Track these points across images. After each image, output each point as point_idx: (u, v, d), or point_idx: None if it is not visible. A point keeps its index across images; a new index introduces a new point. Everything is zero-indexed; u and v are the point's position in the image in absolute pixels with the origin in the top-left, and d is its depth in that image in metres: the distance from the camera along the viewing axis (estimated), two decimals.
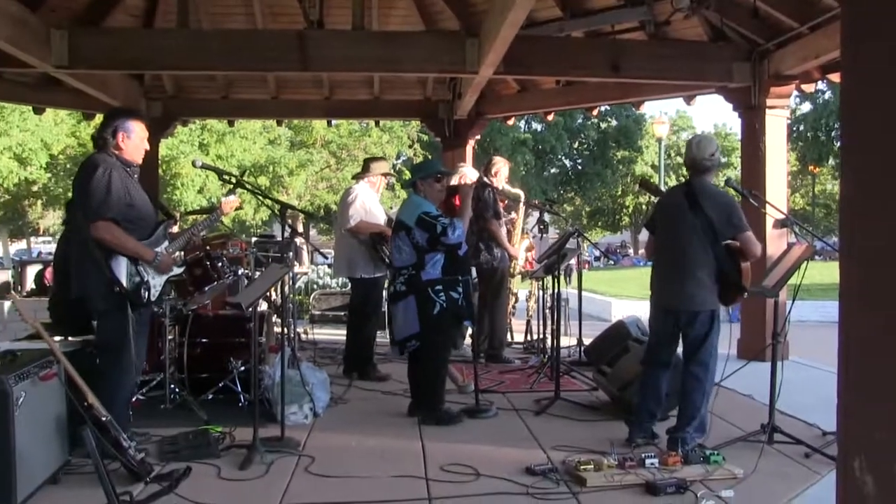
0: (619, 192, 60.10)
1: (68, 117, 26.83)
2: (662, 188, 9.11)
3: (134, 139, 6.04)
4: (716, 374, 6.38)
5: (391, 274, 7.47)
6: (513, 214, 10.66)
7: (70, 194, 7.05)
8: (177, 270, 6.43)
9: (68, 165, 29.24)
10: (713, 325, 6.22)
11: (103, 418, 5.12)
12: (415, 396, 7.44)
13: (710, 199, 6.22)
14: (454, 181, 8.45)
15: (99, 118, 7.60)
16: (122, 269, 5.78)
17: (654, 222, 6.81)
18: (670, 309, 6.39)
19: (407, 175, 17.22)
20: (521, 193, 10.65)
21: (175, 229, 6.47)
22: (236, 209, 7.14)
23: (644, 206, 56.56)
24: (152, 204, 6.27)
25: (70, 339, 6.29)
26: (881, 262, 1.97)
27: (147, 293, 5.94)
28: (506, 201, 10.21)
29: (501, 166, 10.18)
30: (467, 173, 9.44)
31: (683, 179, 6.76)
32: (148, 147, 6.29)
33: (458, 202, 7.44)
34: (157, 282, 6.07)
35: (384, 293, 9.41)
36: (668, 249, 6.46)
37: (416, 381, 7.44)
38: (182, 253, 6.85)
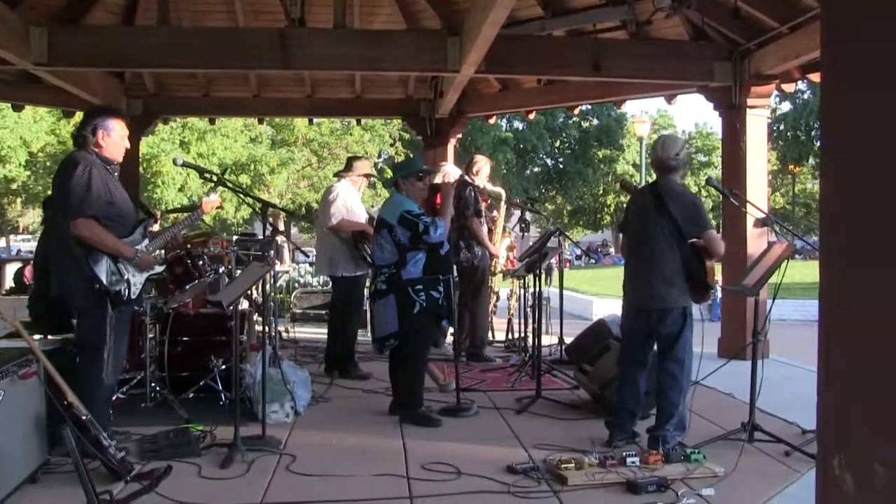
0: (601, 191, 60.20)
1: (48, 115, 26.68)
2: None
3: (114, 137, 6.01)
4: (692, 371, 6.40)
5: (372, 272, 7.45)
6: (494, 213, 10.66)
7: (50, 192, 7.02)
8: (157, 269, 6.41)
9: (48, 163, 29.11)
10: (686, 322, 6.25)
11: (83, 417, 5.10)
12: (396, 395, 7.43)
13: (674, 199, 6.27)
14: (437, 179, 8.45)
15: (79, 116, 7.57)
16: (102, 266, 5.76)
17: (626, 223, 6.85)
18: (642, 308, 6.42)
19: (389, 174, 17.18)
20: (503, 192, 10.66)
21: (156, 227, 6.45)
22: (217, 208, 7.12)
23: (625, 206, 56.74)
24: (132, 202, 6.25)
25: (50, 337, 6.26)
26: (861, 262, 1.97)
27: (127, 291, 5.92)
28: (488, 200, 10.21)
29: (483, 165, 10.18)
30: (450, 171, 9.45)
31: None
32: (128, 145, 6.26)
33: (439, 201, 7.44)
34: (137, 280, 6.04)
35: (365, 291, 9.41)
36: (638, 249, 6.51)
37: (396, 380, 7.43)
38: (163, 252, 6.82)
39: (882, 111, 1.89)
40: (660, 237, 6.22)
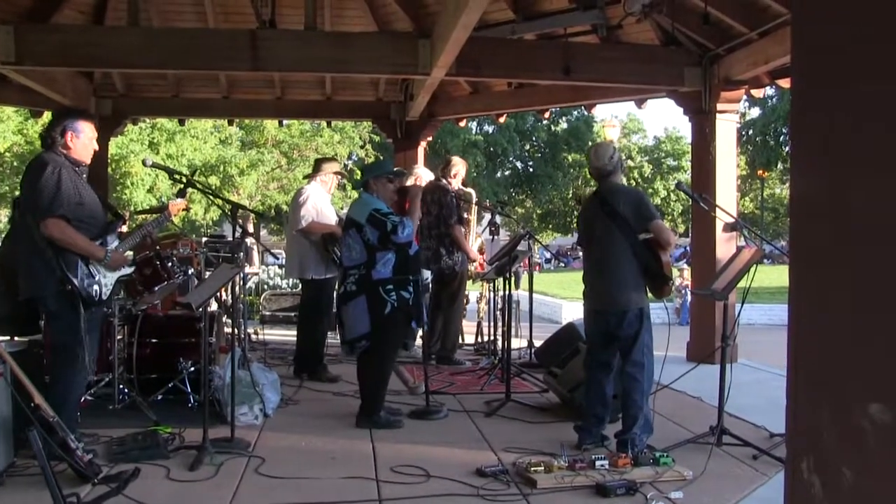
0: (570, 195, 60.34)
1: (15, 114, 26.41)
2: None
3: (83, 139, 5.98)
4: (655, 373, 6.44)
5: (341, 274, 7.41)
6: (466, 215, 10.68)
7: (17, 192, 6.97)
8: (127, 270, 6.37)
9: (15, 163, 28.80)
10: (643, 324, 6.30)
11: (50, 419, 5.06)
12: (363, 400, 7.41)
13: (619, 197, 6.41)
14: (409, 182, 8.45)
15: (47, 116, 7.52)
16: (74, 267, 5.73)
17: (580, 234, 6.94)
18: (599, 311, 6.51)
19: (359, 175, 17.20)
20: (473, 194, 10.67)
21: (124, 229, 6.42)
22: (184, 210, 7.09)
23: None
24: (102, 204, 6.21)
25: (17, 339, 6.22)
26: (829, 265, 1.99)
27: (99, 291, 5.89)
28: (461, 203, 10.21)
29: (460, 168, 10.18)
30: (422, 174, 9.45)
31: (634, 182, 6.85)
32: (97, 147, 6.25)
33: (407, 204, 7.42)
34: (107, 280, 6.01)
35: (335, 294, 9.39)
36: (592, 255, 6.62)
37: (363, 381, 7.40)
38: (132, 253, 6.79)
39: (851, 114, 1.91)
40: (611, 240, 6.34)
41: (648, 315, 6.39)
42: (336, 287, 8.71)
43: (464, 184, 10.48)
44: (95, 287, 5.85)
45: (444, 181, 9.86)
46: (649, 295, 6.44)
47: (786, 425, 2.19)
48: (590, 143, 56.83)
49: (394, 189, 7.37)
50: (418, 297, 7.20)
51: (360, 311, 7.00)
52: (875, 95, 1.82)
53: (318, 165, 9.62)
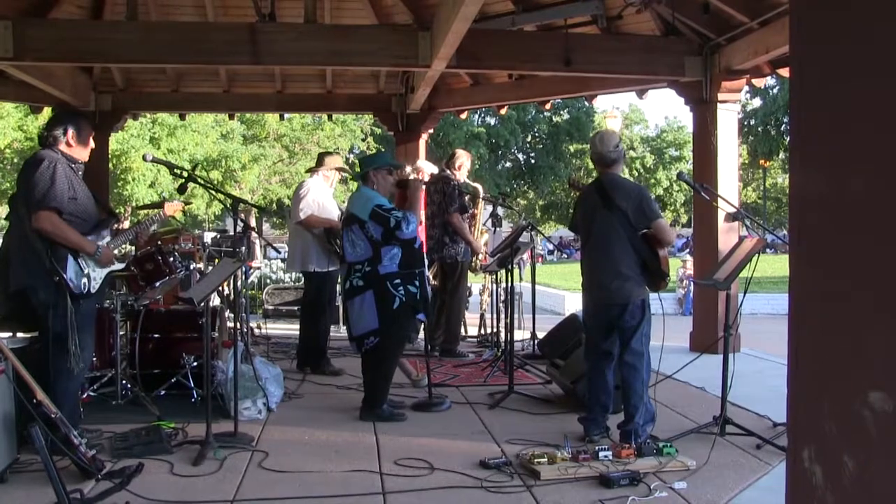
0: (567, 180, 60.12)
1: (15, 110, 26.37)
2: None
3: (82, 140, 6.07)
4: (654, 361, 6.43)
5: (345, 269, 7.38)
6: (473, 209, 10.67)
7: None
8: (117, 266, 6.38)
9: (15, 160, 28.77)
10: (644, 315, 6.29)
11: (53, 415, 5.06)
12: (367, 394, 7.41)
13: (620, 192, 6.34)
14: (411, 175, 8.44)
15: (47, 111, 7.52)
16: (62, 260, 5.74)
17: (575, 223, 6.87)
18: (600, 303, 6.47)
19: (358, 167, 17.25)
20: (480, 188, 10.66)
21: (125, 225, 6.44)
22: (182, 210, 7.09)
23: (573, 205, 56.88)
24: (96, 202, 6.23)
25: (19, 335, 6.22)
26: (829, 255, 1.98)
27: (87, 285, 5.90)
28: (467, 196, 10.19)
29: (465, 160, 10.17)
30: (424, 167, 9.45)
31: (636, 172, 6.81)
32: (93, 145, 6.32)
33: (407, 198, 7.41)
34: (96, 275, 6.02)
35: (338, 287, 9.38)
36: (592, 246, 6.54)
37: (367, 375, 7.39)
38: (132, 248, 6.80)
39: (849, 105, 1.90)
40: (611, 232, 6.29)
41: (649, 305, 6.37)
42: (339, 281, 8.71)
43: (469, 177, 10.46)
44: (84, 280, 5.87)
45: (447, 172, 9.86)
46: None
47: (787, 415, 2.19)
48: (591, 134, 56.96)
49: (394, 181, 7.36)
50: (424, 290, 7.19)
51: (368, 307, 6.98)
52: (874, 85, 1.81)
53: (320, 159, 9.62)
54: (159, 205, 7.52)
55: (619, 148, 6.50)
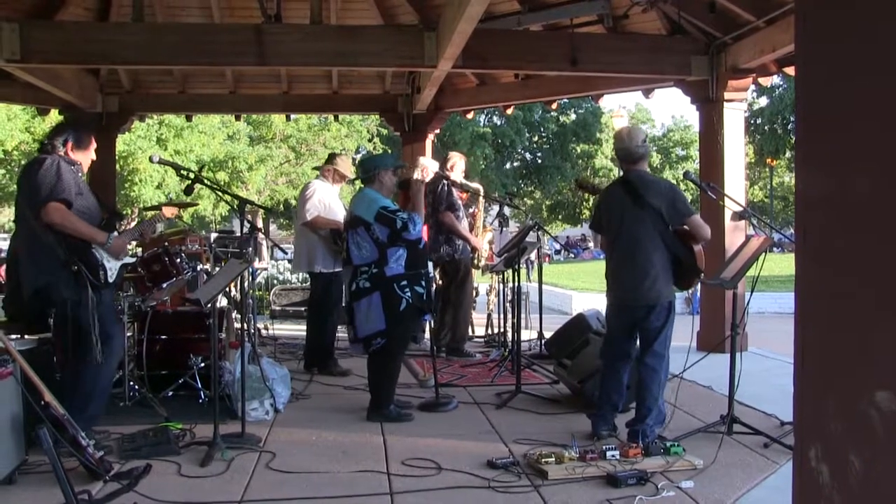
0: (574, 182, 60.19)
1: (22, 112, 26.44)
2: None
3: (81, 148, 6.12)
4: (674, 364, 6.41)
5: (351, 272, 7.36)
6: (473, 208, 10.67)
7: None
8: (129, 259, 6.40)
9: (23, 161, 28.84)
10: (669, 317, 6.23)
11: (61, 416, 5.07)
12: (374, 395, 7.40)
13: (651, 189, 6.21)
14: (416, 175, 8.45)
15: (54, 114, 7.55)
16: (78, 250, 5.77)
17: (599, 222, 6.73)
18: (626, 304, 6.38)
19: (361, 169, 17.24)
20: (480, 188, 10.66)
21: (132, 225, 6.47)
22: (178, 213, 7.11)
23: (594, 204, 56.81)
24: (99, 203, 6.25)
25: (27, 337, 6.23)
26: (836, 254, 1.98)
27: (105, 275, 5.92)
28: (466, 195, 10.19)
29: (457, 160, 10.22)
30: (428, 166, 9.45)
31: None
32: (95, 147, 6.39)
33: (409, 198, 7.41)
34: (111, 265, 6.03)
35: (344, 288, 9.39)
36: (620, 246, 6.38)
37: (373, 376, 7.39)
38: (140, 248, 6.83)
39: (855, 103, 1.90)
40: (641, 231, 6.16)
41: (675, 308, 6.33)
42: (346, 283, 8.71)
43: (471, 177, 10.48)
44: (101, 271, 5.88)
45: (442, 174, 9.89)
46: None
47: (793, 414, 2.19)
48: (597, 134, 56.95)
49: (396, 181, 7.38)
50: (429, 290, 7.20)
51: (375, 309, 6.97)
52: (879, 83, 1.81)
53: (331, 158, 9.63)
54: (156, 208, 7.56)
55: (645, 144, 6.37)
